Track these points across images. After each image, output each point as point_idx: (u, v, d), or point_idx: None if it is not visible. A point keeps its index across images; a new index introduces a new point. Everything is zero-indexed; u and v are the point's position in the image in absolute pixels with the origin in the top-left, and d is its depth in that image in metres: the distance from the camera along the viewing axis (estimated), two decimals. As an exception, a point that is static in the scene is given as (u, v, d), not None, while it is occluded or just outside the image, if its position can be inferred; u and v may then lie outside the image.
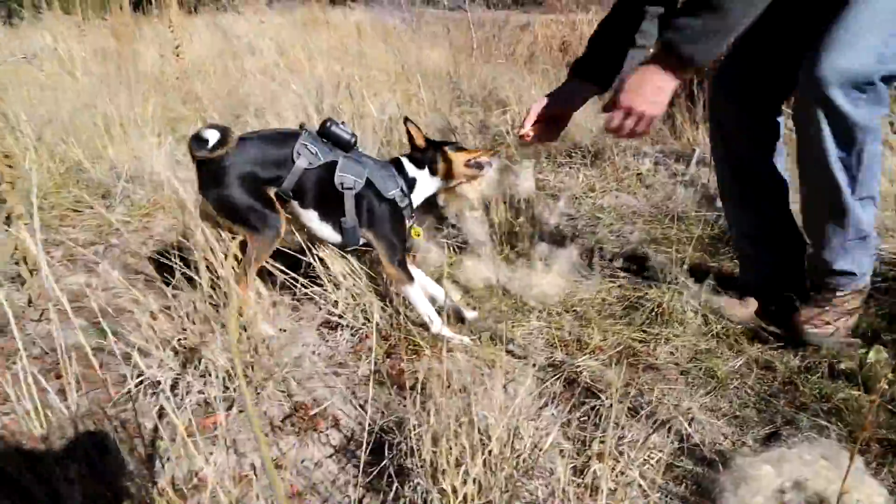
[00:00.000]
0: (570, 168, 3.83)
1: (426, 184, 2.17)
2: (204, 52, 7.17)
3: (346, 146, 2.02)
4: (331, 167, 1.96)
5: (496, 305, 2.23)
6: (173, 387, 1.76)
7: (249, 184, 1.89)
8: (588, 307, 2.23)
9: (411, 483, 1.39)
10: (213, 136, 1.85)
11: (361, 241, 2.06)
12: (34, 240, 1.75)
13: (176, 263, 1.87)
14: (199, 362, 1.78)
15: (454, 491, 1.23)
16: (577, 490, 1.38)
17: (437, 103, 4.28)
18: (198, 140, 1.85)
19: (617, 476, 1.39)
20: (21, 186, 2.54)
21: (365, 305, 2.08)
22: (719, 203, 3.13)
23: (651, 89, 1.69)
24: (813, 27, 1.75)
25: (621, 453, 1.46)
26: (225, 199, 1.87)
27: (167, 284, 1.87)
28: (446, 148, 2.15)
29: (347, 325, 2.06)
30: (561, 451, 1.51)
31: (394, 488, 1.39)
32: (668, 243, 2.74)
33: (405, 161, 2.16)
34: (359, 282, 2.09)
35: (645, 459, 1.48)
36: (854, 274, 1.97)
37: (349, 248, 2.08)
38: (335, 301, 2.08)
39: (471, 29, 7.21)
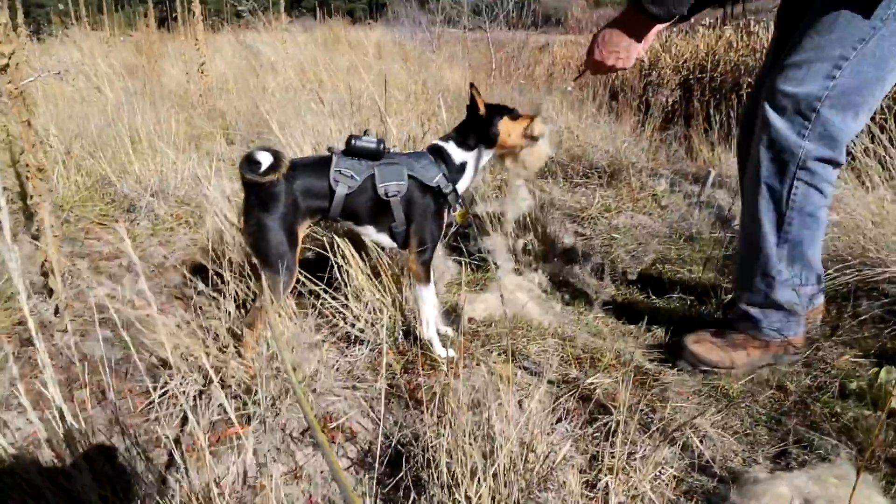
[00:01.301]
0: (587, 188, 3.87)
1: (478, 160, 2.10)
2: (227, 69, 7.32)
3: (377, 155, 1.99)
4: (371, 180, 1.95)
5: (512, 323, 2.27)
6: (195, 399, 1.80)
7: (291, 216, 1.87)
8: (601, 325, 2.26)
9: (427, 494, 1.42)
10: (265, 160, 1.82)
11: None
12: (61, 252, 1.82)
13: (197, 279, 1.93)
14: (219, 375, 1.83)
15: (468, 502, 1.27)
16: (588, 503, 1.41)
17: (456, 122, 4.34)
18: (250, 162, 1.82)
19: (628, 490, 1.42)
20: (51, 199, 2.62)
21: (385, 322, 2.13)
22: (735, 224, 3.17)
23: (619, 45, 1.79)
24: None
25: (633, 468, 1.48)
26: (263, 227, 1.84)
27: (189, 298, 1.93)
28: (506, 117, 2.06)
29: (366, 340, 2.10)
30: (574, 465, 1.54)
31: (410, 499, 1.43)
32: (682, 263, 2.77)
33: (449, 147, 2.08)
34: (382, 297, 2.13)
35: (656, 475, 1.51)
36: (757, 323, 1.98)
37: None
38: (356, 316, 2.13)
39: (490, 49, 7.30)
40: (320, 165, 1.94)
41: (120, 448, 1.44)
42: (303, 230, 1.94)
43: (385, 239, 2.06)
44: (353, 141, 1.97)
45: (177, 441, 1.70)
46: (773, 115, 1.75)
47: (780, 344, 1.98)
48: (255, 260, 1.86)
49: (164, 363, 1.88)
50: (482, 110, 2.04)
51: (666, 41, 6.91)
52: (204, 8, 6.59)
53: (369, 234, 2.05)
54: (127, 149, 3.79)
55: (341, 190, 1.91)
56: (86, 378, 1.94)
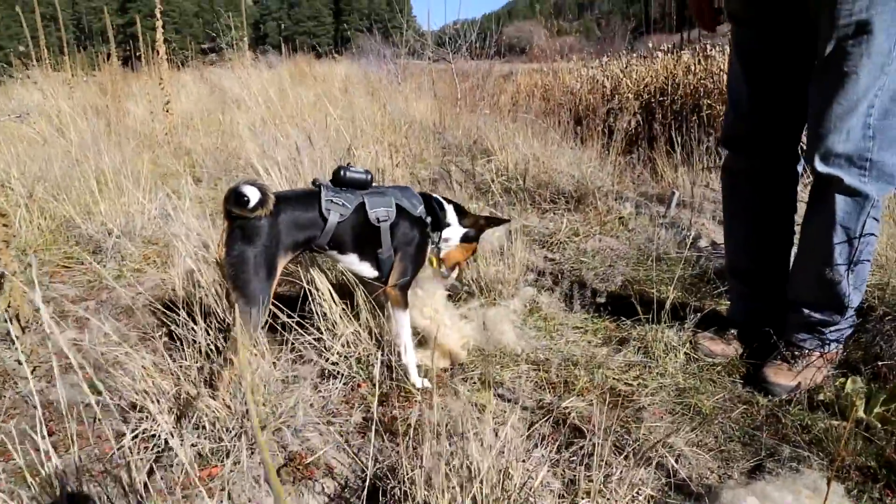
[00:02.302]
0: (554, 214, 3.92)
1: (453, 235, 2.27)
2: (192, 106, 7.30)
3: (365, 185, 2.06)
4: (360, 209, 2.00)
5: (484, 350, 2.28)
6: (168, 440, 1.77)
7: (274, 249, 1.89)
8: (574, 348, 2.27)
9: (405, 527, 1.41)
10: (253, 195, 1.81)
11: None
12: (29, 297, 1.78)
13: (171, 318, 1.91)
14: (193, 416, 1.81)
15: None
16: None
17: (423, 153, 4.38)
18: (237, 196, 1.81)
19: (606, 513, 1.43)
20: (13, 244, 2.57)
21: (360, 355, 2.12)
22: (701, 243, 3.23)
23: None
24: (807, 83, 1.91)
25: (610, 490, 1.49)
26: (245, 260, 1.84)
27: (159, 339, 1.90)
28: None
29: (341, 374, 2.09)
30: (551, 490, 1.54)
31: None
32: (651, 284, 2.81)
33: (448, 206, 2.24)
34: (357, 330, 2.13)
35: (633, 496, 1.51)
36: (824, 341, 2.07)
37: (383, 280, 2.12)
38: (328, 348, 2.12)
39: (455, 79, 7.40)
40: (307, 198, 1.98)
41: (90, 496, 1.41)
42: (283, 264, 1.95)
43: (367, 268, 2.09)
44: (342, 172, 2.03)
45: (147, 486, 1.67)
46: (836, 171, 1.86)
47: (837, 352, 2.10)
48: (231, 293, 1.86)
49: (134, 406, 1.85)
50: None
51: (626, 66, 7.08)
52: (168, 47, 6.59)
53: (352, 263, 2.08)
54: (92, 190, 3.74)
55: (333, 218, 1.95)
56: (69, 423, 1.90)
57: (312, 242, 1.98)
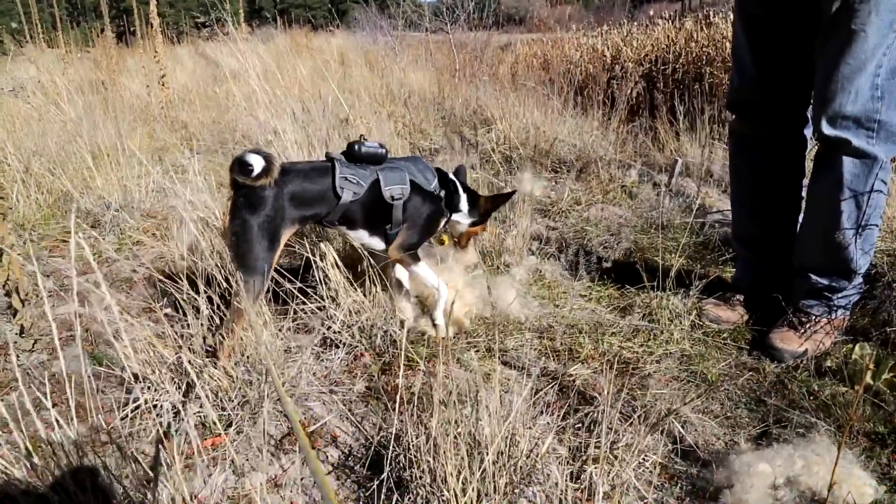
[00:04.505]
0: (556, 182, 3.88)
1: (463, 221, 2.25)
2: (188, 80, 7.21)
3: (380, 160, 2.00)
4: (374, 185, 1.96)
5: (489, 318, 2.26)
6: (172, 410, 1.76)
7: (278, 220, 1.85)
8: (578, 316, 2.26)
9: (411, 495, 1.40)
10: (257, 163, 1.78)
11: None
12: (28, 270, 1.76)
13: (173, 287, 1.88)
14: (196, 385, 1.79)
15: (455, 498, 1.25)
16: (574, 494, 1.40)
17: (422, 123, 4.33)
18: (241, 164, 1.79)
19: (613, 479, 1.42)
20: (10, 218, 2.54)
21: (363, 324, 2.10)
22: (705, 212, 3.20)
23: None
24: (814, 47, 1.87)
25: (616, 457, 1.48)
26: (247, 228, 1.82)
27: (160, 310, 1.88)
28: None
29: (343, 343, 2.07)
30: (557, 456, 1.53)
31: (393, 500, 1.41)
32: (655, 252, 2.79)
33: (462, 194, 2.18)
34: (358, 299, 2.11)
35: (640, 462, 1.50)
36: (832, 307, 2.05)
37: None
38: (331, 317, 2.10)
39: (453, 50, 7.30)
40: (315, 172, 1.93)
41: (93, 468, 1.40)
42: (286, 236, 1.91)
43: (377, 241, 2.07)
44: (357, 147, 1.98)
45: (155, 455, 1.66)
46: (844, 133, 1.82)
47: (844, 318, 2.09)
48: (231, 261, 1.84)
49: (137, 377, 1.84)
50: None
51: (627, 35, 6.98)
52: (162, 21, 6.49)
53: (362, 237, 2.05)
54: (88, 164, 3.70)
55: (347, 196, 1.91)
56: (74, 395, 1.89)
57: (321, 218, 1.95)
